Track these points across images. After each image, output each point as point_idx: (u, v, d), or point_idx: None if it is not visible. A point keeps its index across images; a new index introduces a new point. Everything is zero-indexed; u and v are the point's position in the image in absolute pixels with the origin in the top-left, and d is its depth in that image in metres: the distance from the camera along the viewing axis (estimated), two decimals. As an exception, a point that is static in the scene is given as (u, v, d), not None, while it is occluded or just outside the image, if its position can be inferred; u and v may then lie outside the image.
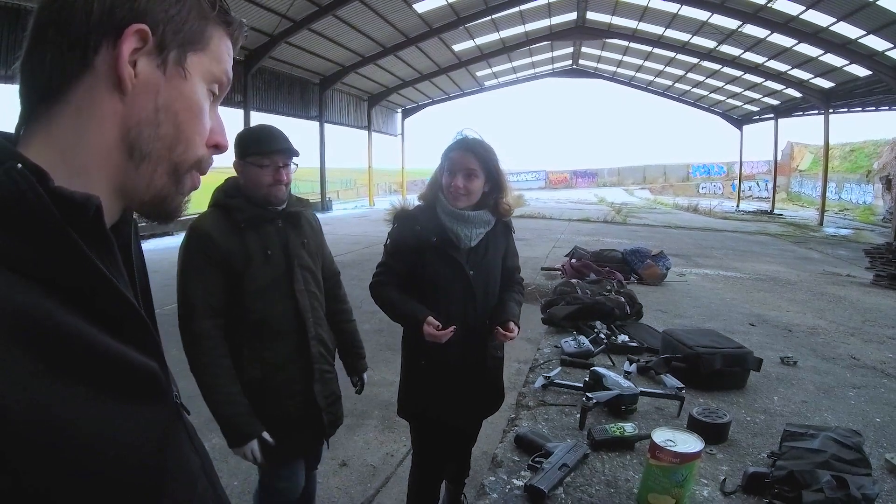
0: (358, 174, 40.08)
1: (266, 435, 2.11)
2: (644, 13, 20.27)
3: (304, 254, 2.25)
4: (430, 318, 2.20)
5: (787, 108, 26.84)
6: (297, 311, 2.21)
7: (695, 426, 1.83)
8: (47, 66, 0.58)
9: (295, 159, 2.18)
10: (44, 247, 0.49)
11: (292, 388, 2.24)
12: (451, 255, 2.30)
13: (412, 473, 2.67)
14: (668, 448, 1.40)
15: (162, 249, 10.25)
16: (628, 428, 1.81)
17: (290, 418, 2.23)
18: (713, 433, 1.82)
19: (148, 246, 12.60)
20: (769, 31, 18.05)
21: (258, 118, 20.27)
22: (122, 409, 0.53)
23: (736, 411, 2.20)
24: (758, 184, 40.53)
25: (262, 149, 2.10)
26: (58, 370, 0.47)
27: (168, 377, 0.64)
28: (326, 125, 25.37)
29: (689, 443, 1.44)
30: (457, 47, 24.50)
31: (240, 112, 19.87)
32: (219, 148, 0.70)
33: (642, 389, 2.15)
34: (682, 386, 2.23)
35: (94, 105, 0.59)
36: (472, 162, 2.25)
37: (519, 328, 2.37)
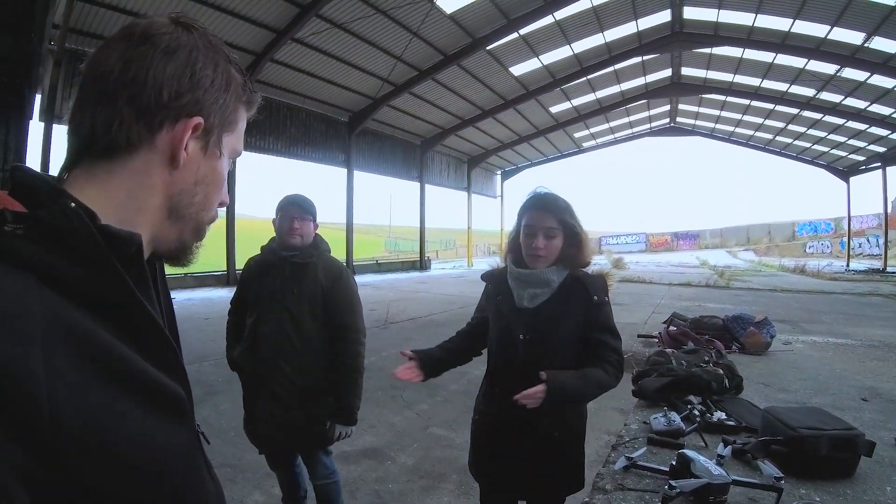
0: (457, 234, 40.64)
1: None
2: (739, 65, 19.83)
3: (291, 298, 2.70)
4: (407, 352, 2.31)
5: (894, 155, 25.17)
6: (262, 337, 2.71)
7: (793, 526, 1.63)
8: (114, 128, 0.66)
9: (319, 220, 2.79)
10: (92, 275, 0.55)
11: (252, 400, 2.79)
12: (507, 316, 2.19)
13: None
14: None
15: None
16: (713, 523, 1.64)
17: (248, 416, 2.83)
18: (815, 536, 1.62)
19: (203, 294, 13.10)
20: (869, 73, 17.29)
21: (361, 177, 21.37)
22: (157, 428, 0.58)
23: (844, 508, 1.95)
24: (868, 240, 37.74)
25: (280, 205, 2.77)
26: (108, 385, 0.53)
27: (192, 404, 0.70)
28: (427, 186, 26.15)
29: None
30: (554, 109, 24.82)
31: (343, 171, 20.92)
32: (223, 205, 0.83)
33: (734, 478, 1.95)
34: (781, 476, 2.00)
35: (150, 174, 0.69)
36: (550, 220, 2.14)
37: (548, 399, 1.88)
